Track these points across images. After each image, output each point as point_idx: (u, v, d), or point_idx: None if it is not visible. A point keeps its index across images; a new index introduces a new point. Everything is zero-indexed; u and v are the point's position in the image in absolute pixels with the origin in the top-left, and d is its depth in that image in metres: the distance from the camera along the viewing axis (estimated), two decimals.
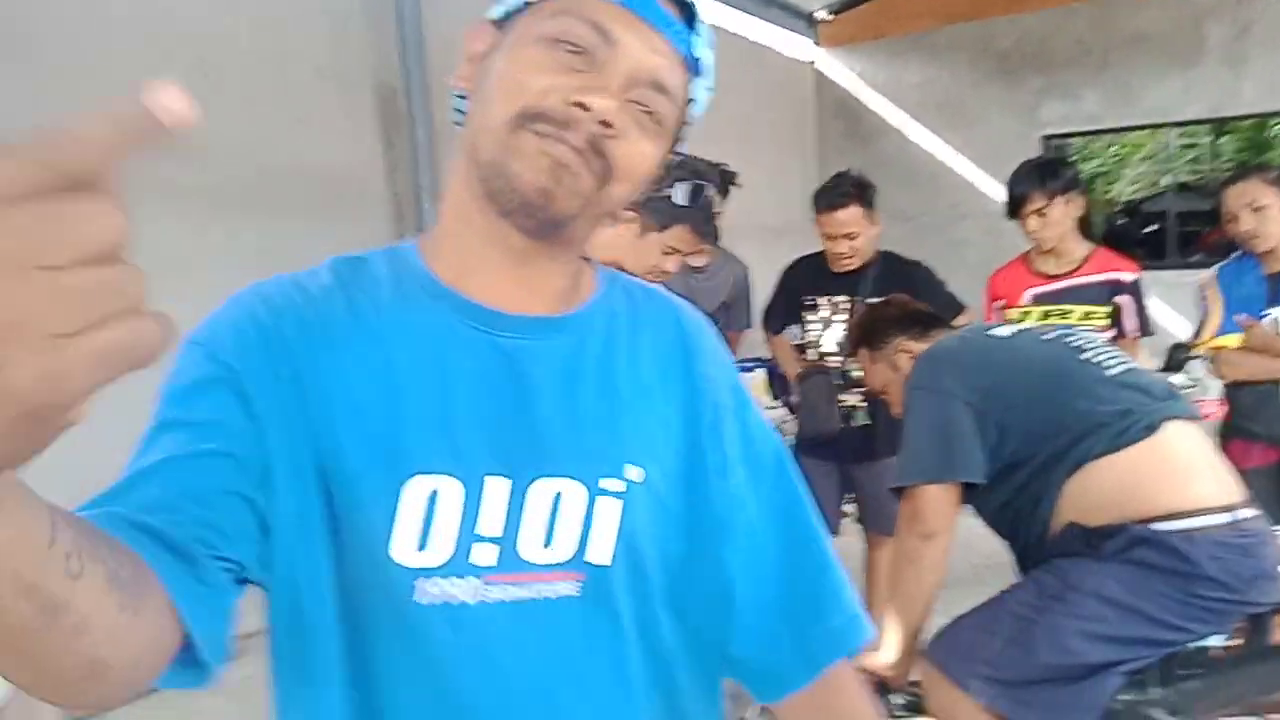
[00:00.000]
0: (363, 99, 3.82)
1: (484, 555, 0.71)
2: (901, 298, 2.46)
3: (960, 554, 3.15)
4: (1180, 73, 6.35)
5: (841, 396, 3.13)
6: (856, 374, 2.80)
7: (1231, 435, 2.97)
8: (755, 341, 3.82)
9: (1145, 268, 3.23)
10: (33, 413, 0.32)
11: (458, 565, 0.70)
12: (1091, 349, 1.97)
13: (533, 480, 0.73)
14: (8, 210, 0.30)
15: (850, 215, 3.02)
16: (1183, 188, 9.16)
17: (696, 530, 0.81)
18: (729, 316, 3.64)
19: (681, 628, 0.81)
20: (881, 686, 1.93)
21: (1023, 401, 1.88)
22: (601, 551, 0.74)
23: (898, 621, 1.92)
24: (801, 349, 3.28)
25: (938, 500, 1.85)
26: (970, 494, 1.92)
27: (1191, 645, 1.72)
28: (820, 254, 3.21)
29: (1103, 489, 1.76)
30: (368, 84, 3.83)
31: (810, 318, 3.23)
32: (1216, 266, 3.07)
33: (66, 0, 2.83)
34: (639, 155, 0.73)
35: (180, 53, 3.11)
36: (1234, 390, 3.00)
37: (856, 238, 3.05)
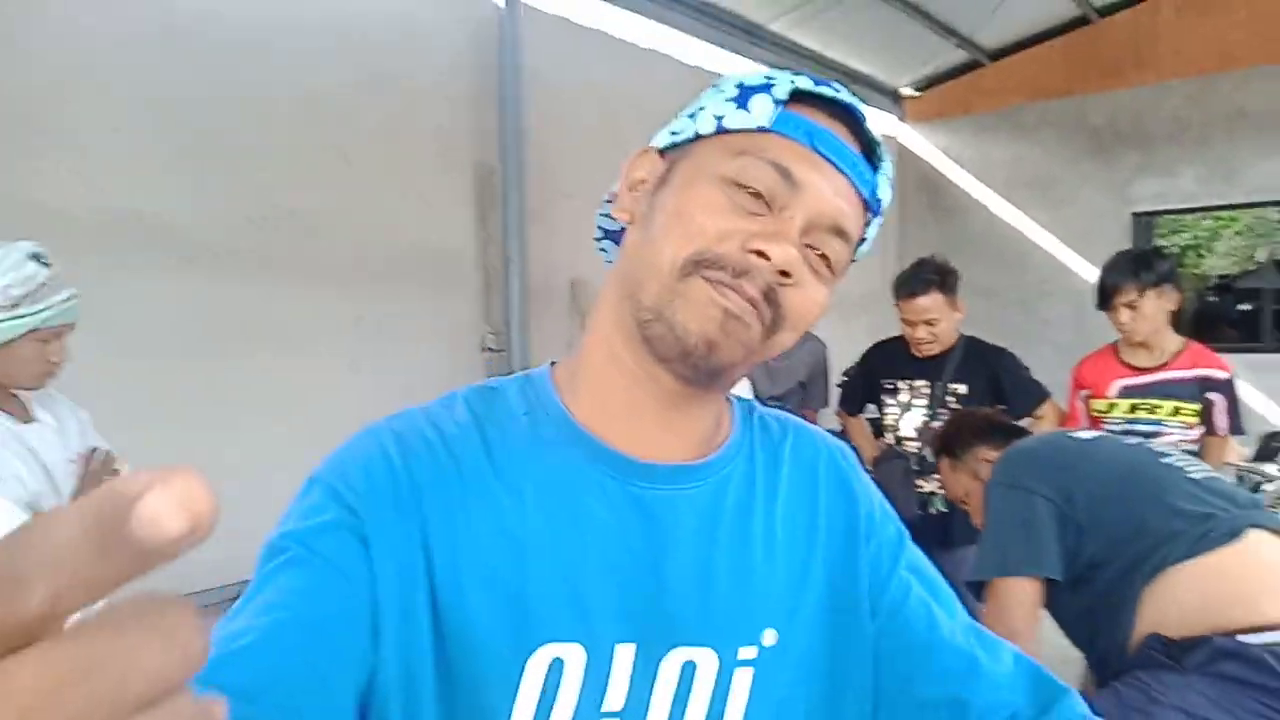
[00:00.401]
0: (463, 177, 4.02)
1: None
2: (985, 411, 2.48)
3: (1039, 647, 3.10)
4: None
5: (919, 482, 3.12)
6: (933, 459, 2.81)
7: None
8: (827, 418, 3.84)
9: (1237, 349, 3.17)
10: None
11: None
12: (1173, 455, 1.96)
13: (667, 650, 0.67)
14: None
15: (931, 302, 3.04)
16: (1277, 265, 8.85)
17: (840, 683, 0.74)
18: (805, 395, 3.67)
19: None
20: None
21: (1103, 501, 1.87)
22: None
23: None
24: (878, 431, 3.30)
25: (1020, 593, 1.84)
26: (1050, 600, 1.91)
27: None
28: (901, 338, 3.23)
29: (1185, 598, 1.74)
30: (469, 162, 4.03)
31: (889, 401, 3.25)
32: None
33: (217, 70, 3.06)
34: (811, 303, 0.69)
35: (303, 129, 3.34)
36: None
37: (937, 324, 3.06)
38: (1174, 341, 3.04)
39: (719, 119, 0.69)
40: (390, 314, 3.64)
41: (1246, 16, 6.10)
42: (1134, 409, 3.01)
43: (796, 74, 0.69)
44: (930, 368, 3.15)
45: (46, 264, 1.77)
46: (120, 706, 0.20)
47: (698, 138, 0.70)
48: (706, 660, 0.68)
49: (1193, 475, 1.88)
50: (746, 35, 5.53)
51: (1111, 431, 2.94)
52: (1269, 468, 4.63)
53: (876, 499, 0.82)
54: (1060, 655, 2.10)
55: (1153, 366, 3.02)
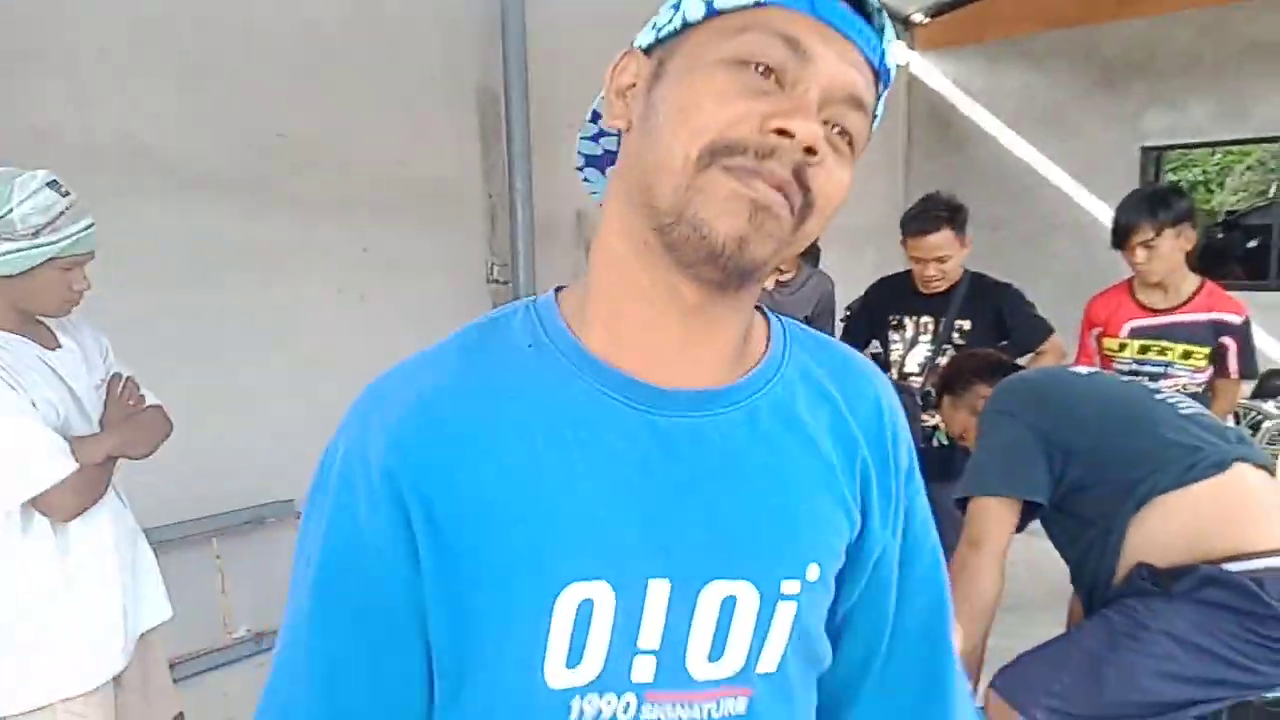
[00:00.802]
0: (466, 107, 3.97)
1: (644, 670, 0.65)
2: (986, 351, 2.52)
3: (1031, 578, 3.19)
4: None
5: (923, 416, 3.16)
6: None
7: None
8: None
9: (1244, 287, 3.16)
10: None
11: (613, 680, 0.64)
12: (1166, 393, 2.02)
13: (704, 584, 0.65)
14: None
15: (942, 239, 3.03)
16: None
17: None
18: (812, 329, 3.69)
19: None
20: None
21: (1095, 429, 1.94)
22: (771, 659, 0.68)
23: (956, 632, 1.98)
24: (883, 366, 3.32)
25: (992, 512, 1.92)
26: (1047, 525, 1.98)
27: (1265, 695, 1.74)
28: (907, 273, 3.23)
29: (1171, 528, 1.80)
30: (472, 91, 3.98)
31: (894, 336, 3.27)
32: None
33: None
34: (838, 184, 0.64)
35: (299, 54, 3.29)
36: None
37: (946, 261, 3.06)
38: (1190, 282, 3.00)
39: (708, 1, 0.63)
40: (393, 244, 3.63)
41: None
42: (1144, 350, 3.00)
43: None
44: (936, 303, 3.17)
45: (65, 192, 1.77)
46: None
47: (686, 27, 0.64)
48: (747, 594, 0.66)
49: (1183, 411, 1.95)
50: None
51: (1120, 372, 2.98)
52: (1268, 405, 4.68)
53: (913, 453, 0.79)
54: (1063, 587, 2.17)
55: (1166, 308, 2.99)
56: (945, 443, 3.10)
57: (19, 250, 1.71)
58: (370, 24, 3.50)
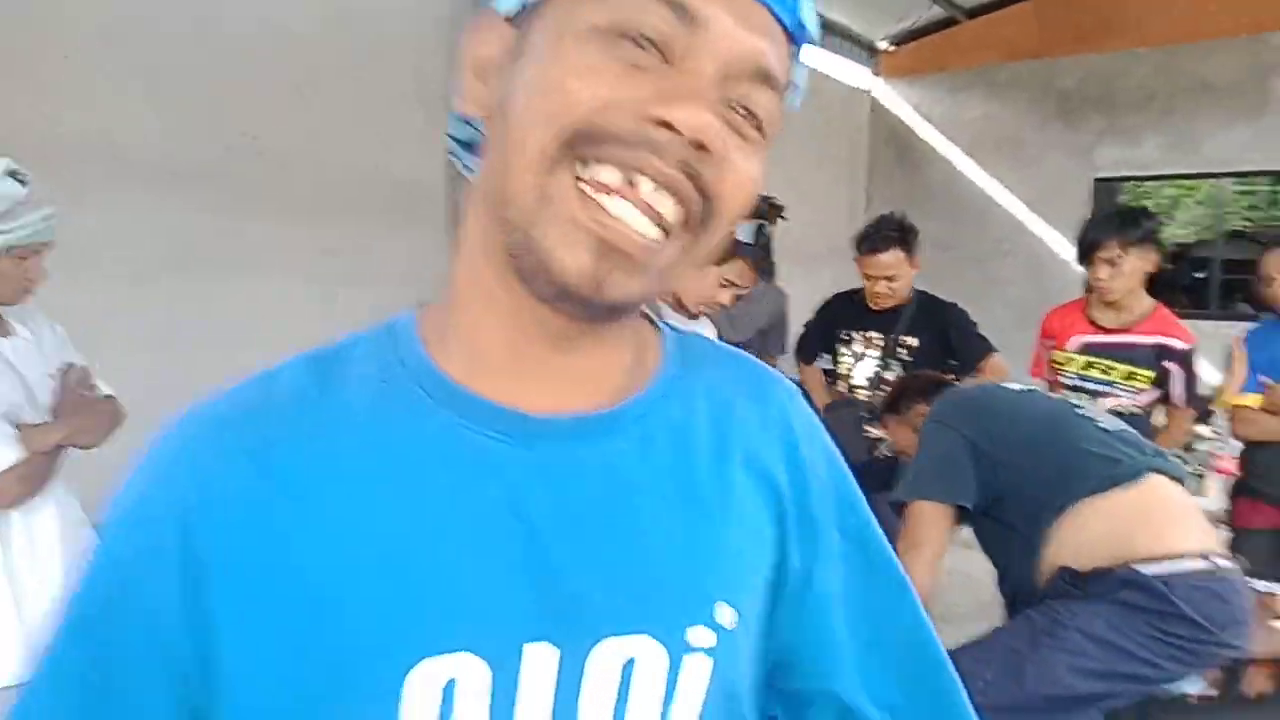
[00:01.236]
0: (435, 108, 4.03)
1: None
2: (927, 373, 2.66)
3: (965, 590, 3.29)
4: (1244, 124, 6.34)
5: (868, 428, 3.26)
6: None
7: (1241, 493, 3.06)
8: (785, 367, 3.97)
9: (1187, 315, 3.27)
10: None
11: None
12: (1087, 408, 2.16)
13: (595, 644, 0.54)
14: None
15: (892, 258, 3.13)
16: (1233, 235, 9.07)
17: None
18: (765, 342, 3.79)
19: None
20: None
21: (1021, 442, 2.06)
22: None
23: None
24: (832, 379, 3.43)
25: (927, 515, 2.04)
26: (976, 530, 2.10)
27: (1171, 690, 1.85)
28: (860, 290, 3.34)
29: (1091, 533, 1.91)
30: (439, 94, 4.04)
31: (843, 351, 3.37)
32: (1247, 328, 3.13)
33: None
34: (743, 181, 0.53)
35: (269, 57, 3.33)
36: (1251, 450, 3.08)
37: (896, 280, 3.17)
38: (1144, 305, 3.02)
39: None
40: (363, 244, 3.68)
41: None
42: (1089, 366, 3.05)
43: None
44: (884, 320, 3.27)
45: (24, 181, 1.79)
46: None
47: None
48: (649, 652, 0.54)
49: (1103, 425, 2.07)
50: None
51: (1063, 385, 3.10)
52: (1202, 429, 4.85)
53: (831, 451, 0.69)
54: (996, 600, 2.28)
55: (1116, 328, 3.03)
56: (889, 454, 3.20)
57: None
58: (340, 29, 3.56)
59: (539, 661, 0.52)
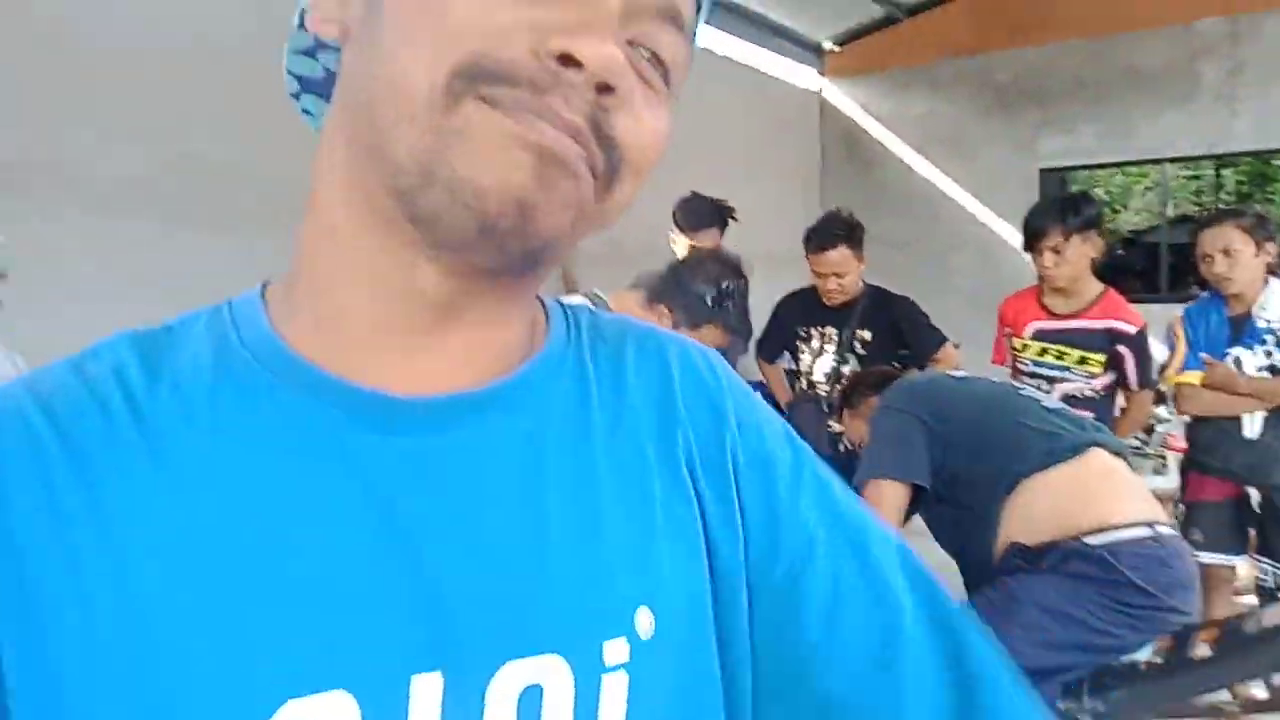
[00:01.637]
0: None
1: None
2: (879, 368, 2.77)
3: None
4: (1176, 109, 6.51)
5: (829, 422, 3.34)
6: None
7: (1189, 469, 3.17)
8: (749, 368, 4.03)
9: (1138, 300, 3.36)
10: None
11: None
12: (1029, 389, 2.28)
13: (494, 671, 0.44)
14: None
15: (839, 256, 3.22)
16: (1180, 220, 9.33)
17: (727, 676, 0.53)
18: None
19: None
20: None
21: (967, 423, 2.14)
22: None
23: None
24: (794, 379, 3.51)
25: (885, 492, 2.11)
26: (928, 517, 2.17)
27: (1123, 659, 1.93)
28: (812, 288, 3.42)
29: (1039, 508, 1.99)
30: None
31: (802, 348, 3.46)
32: (1185, 306, 3.23)
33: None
34: (651, 134, 0.46)
35: (205, 73, 3.35)
36: (1194, 425, 3.18)
37: (845, 276, 3.26)
38: (1093, 290, 3.07)
39: None
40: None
41: None
42: (1043, 352, 3.11)
43: None
44: (839, 316, 3.36)
45: None
46: None
47: None
48: (556, 675, 0.45)
49: (1046, 405, 2.16)
50: None
51: (1019, 371, 3.18)
52: (1160, 410, 4.97)
53: (760, 413, 0.59)
54: (951, 584, 2.35)
55: (1068, 313, 3.09)
56: (851, 446, 3.27)
57: None
58: (274, 41, 3.57)
59: (429, 696, 0.43)
